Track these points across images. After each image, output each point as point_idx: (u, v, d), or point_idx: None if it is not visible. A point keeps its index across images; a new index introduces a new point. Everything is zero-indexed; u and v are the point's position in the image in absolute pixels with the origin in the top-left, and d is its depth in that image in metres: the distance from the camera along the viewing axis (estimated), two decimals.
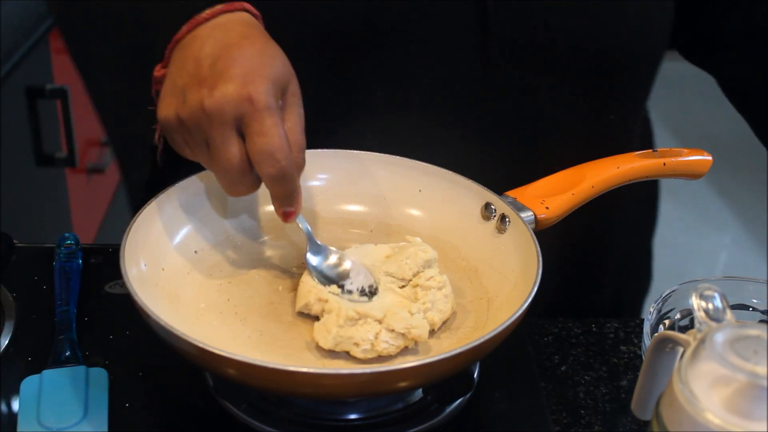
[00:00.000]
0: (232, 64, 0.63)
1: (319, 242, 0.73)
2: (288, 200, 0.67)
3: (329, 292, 0.70)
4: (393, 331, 0.67)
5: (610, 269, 0.96)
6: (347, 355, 0.68)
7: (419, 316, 0.68)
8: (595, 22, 0.83)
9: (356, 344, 0.66)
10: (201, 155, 0.66)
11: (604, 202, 0.81)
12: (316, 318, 0.70)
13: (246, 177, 0.65)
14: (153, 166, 0.84)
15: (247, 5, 0.71)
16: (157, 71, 0.70)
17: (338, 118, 0.87)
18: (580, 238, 0.91)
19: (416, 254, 0.74)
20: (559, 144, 0.86)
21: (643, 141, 0.91)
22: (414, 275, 0.73)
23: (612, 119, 0.89)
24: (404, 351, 0.68)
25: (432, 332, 0.70)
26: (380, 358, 0.67)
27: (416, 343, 0.68)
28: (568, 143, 0.86)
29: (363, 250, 0.76)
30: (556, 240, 0.77)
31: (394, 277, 0.73)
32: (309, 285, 0.71)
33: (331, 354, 0.68)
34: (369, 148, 0.83)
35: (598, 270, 0.95)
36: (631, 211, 0.93)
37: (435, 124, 0.86)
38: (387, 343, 0.66)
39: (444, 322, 0.71)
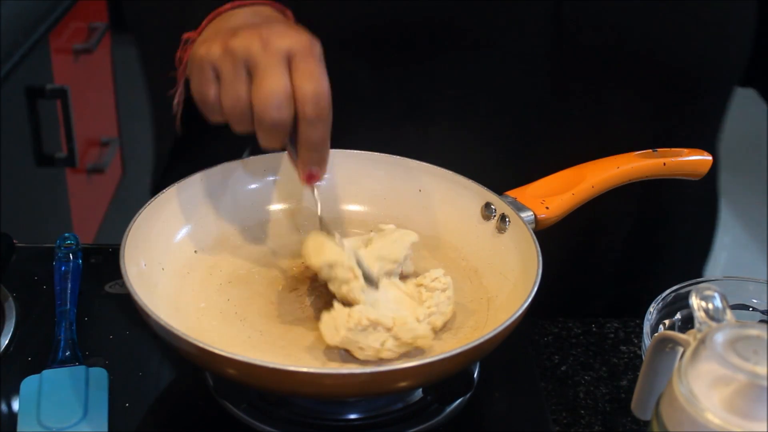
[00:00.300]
0: (280, 23, 0.66)
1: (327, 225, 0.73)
2: (317, 156, 0.67)
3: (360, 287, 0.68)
4: (399, 339, 0.66)
5: (611, 269, 0.96)
6: (347, 354, 0.68)
7: (425, 324, 0.68)
8: (671, 34, 0.82)
9: (361, 348, 0.66)
10: (233, 90, 0.64)
11: (604, 201, 0.81)
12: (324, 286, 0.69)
13: (284, 110, 0.63)
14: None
15: (288, 11, 0.74)
16: (188, 35, 0.70)
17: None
18: (580, 238, 0.91)
19: (402, 237, 0.74)
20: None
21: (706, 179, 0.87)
22: (404, 257, 0.73)
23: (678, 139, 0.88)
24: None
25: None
26: (379, 360, 0.67)
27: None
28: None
29: (350, 241, 0.76)
30: (557, 240, 0.77)
31: (386, 260, 0.73)
32: (341, 259, 0.68)
33: (331, 353, 0.68)
34: (368, 148, 0.83)
35: (598, 270, 0.95)
36: (631, 211, 0.93)
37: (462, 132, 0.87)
38: (391, 351, 0.66)
39: (444, 323, 0.71)
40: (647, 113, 0.86)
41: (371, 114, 0.88)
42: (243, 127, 0.66)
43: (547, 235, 0.75)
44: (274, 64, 0.63)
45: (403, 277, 0.74)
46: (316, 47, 0.65)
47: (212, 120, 0.68)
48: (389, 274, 0.74)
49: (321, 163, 0.68)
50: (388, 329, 0.66)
